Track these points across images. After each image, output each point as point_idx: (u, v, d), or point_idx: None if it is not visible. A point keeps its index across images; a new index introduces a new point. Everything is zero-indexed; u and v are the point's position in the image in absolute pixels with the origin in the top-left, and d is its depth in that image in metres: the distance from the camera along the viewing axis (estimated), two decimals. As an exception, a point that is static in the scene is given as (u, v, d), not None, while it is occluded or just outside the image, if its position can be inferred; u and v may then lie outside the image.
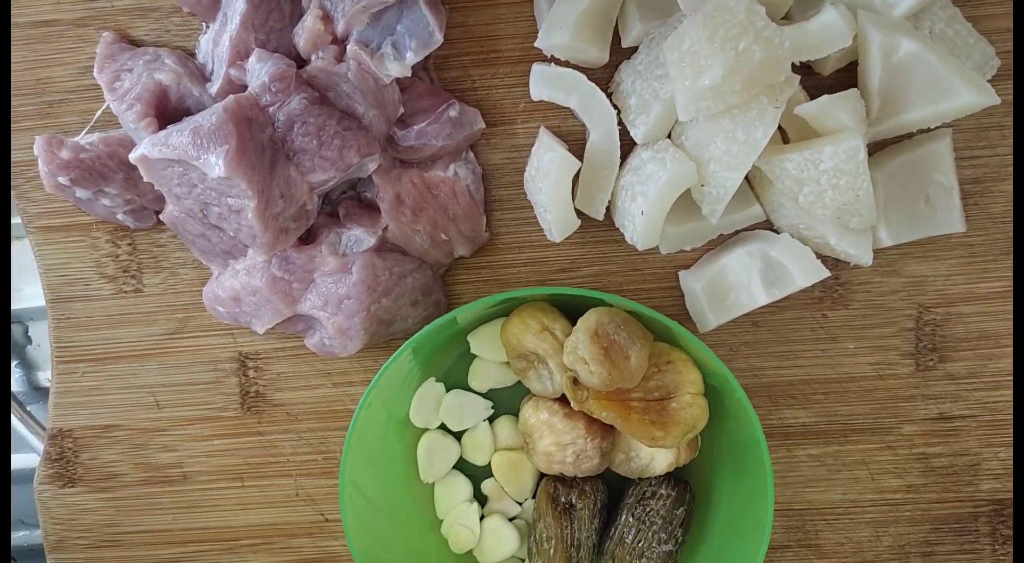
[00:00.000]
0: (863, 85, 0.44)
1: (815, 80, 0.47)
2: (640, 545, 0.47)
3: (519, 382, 0.50)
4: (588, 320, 0.44)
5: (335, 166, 0.45)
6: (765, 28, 0.40)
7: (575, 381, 0.44)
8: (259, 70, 0.44)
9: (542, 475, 0.50)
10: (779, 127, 0.46)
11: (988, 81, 0.45)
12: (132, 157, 0.43)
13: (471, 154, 0.49)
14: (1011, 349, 0.49)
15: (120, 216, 0.50)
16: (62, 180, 0.48)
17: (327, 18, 0.45)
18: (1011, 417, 0.50)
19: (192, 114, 0.48)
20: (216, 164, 0.41)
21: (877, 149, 0.47)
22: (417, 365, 0.48)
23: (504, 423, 0.50)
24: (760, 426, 0.42)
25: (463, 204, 0.48)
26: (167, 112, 0.47)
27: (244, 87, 0.45)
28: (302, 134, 0.44)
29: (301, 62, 0.46)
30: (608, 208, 0.48)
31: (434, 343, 0.48)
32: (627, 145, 0.47)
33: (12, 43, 0.50)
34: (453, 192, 0.48)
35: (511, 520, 0.51)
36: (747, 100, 0.42)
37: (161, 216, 0.49)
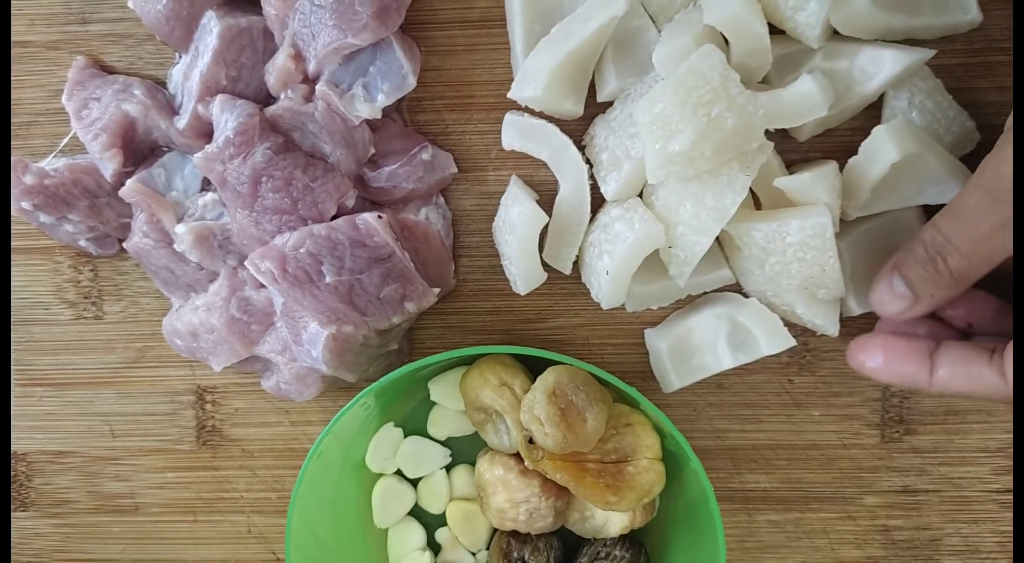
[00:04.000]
0: (855, 178, 0.43)
1: (790, 145, 0.46)
2: (591, 606, 0.46)
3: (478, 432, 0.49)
4: (547, 379, 0.43)
5: (315, 219, 0.44)
6: (739, 95, 0.39)
7: (530, 440, 0.43)
8: (223, 121, 0.44)
9: (496, 528, 0.49)
10: (753, 192, 0.45)
11: (965, 156, 0.45)
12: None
13: (442, 199, 0.48)
14: (977, 425, 0.48)
15: (83, 242, 0.49)
16: (25, 205, 0.47)
17: (299, 57, 0.44)
18: (975, 494, 0.49)
19: (159, 146, 0.47)
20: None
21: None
22: (376, 410, 0.48)
23: (461, 472, 0.50)
24: (714, 496, 0.42)
25: (434, 249, 0.47)
26: (134, 143, 0.46)
27: (210, 124, 0.44)
28: (272, 191, 0.43)
29: (271, 99, 0.45)
30: (576, 262, 0.47)
31: (395, 390, 0.47)
32: (598, 199, 0.46)
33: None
34: (426, 236, 0.47)
35: (463, 571, 0.50)
36: (718, 166, 0.41)
37: (125, 245, 0.48)
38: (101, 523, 0.53)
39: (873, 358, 0.40)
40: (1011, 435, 0.48)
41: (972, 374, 0.37)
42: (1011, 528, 0.49)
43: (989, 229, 0.36)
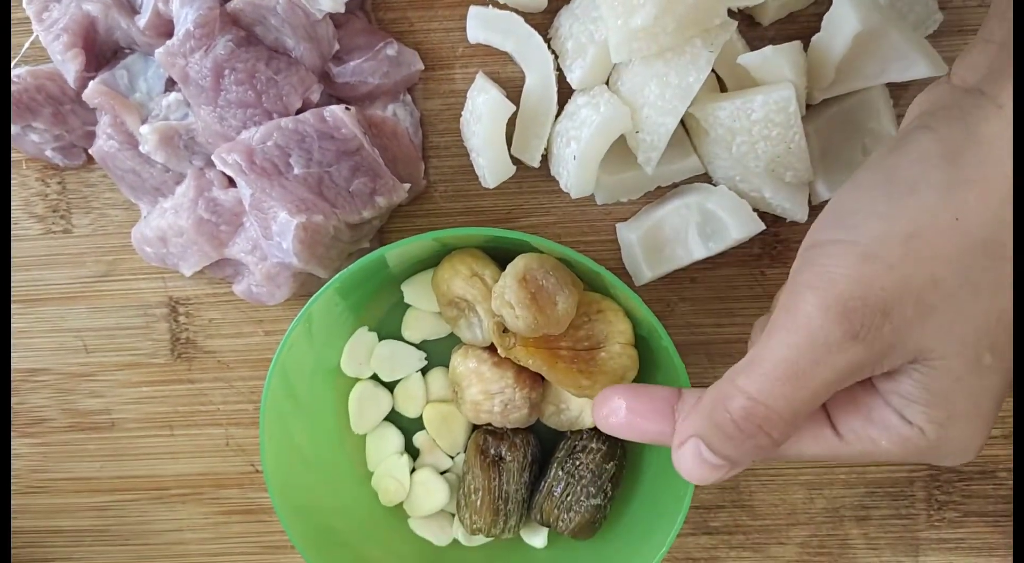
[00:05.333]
0: (819, 56, 0.43)
1: (756, 31, 0.46)
2: (568, 499, 0.46)
3: (453, 333, 0.49)
4: (516, 265, 0.43)
5: (280, 113, 0.44)
6: (700, -32, 0.39)
7: (502, 328, 0.43)
8: (183, 15, 0.43)
9: (474, 428, 0.49)
10: (719, 78, 0.45)
11: (928, 36, 0.45)
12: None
13: (409, 97, 0.48)
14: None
15: (49, 153, 0.49)
16: (-12, 113, 0.47)
17: (260, -49, 0.44)
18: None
19: (121, 49, 0.47)
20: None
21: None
22: (348, 311, 0.48)
23: (437, 375, 0.50)
24: (686, 372, 0.42)
25: (403, 146, 0.47)
26: (95, 45, 0.46)
27: (171, 22, 0.44)
28: (235, 84, 0.43)
29: (231, -5, 0.45)
30: (545, 157, 0.47)
31: (365, 288, 0.47)
32: (566, 93, 0.46)
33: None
34: (394, 133, 0.47)
35: (442, 474, 0.50)
36: (681, 43, 0.41)
37: (91, 150, 0.48)
38: (78, 441, 0.53)
39: (615, 413, 0.35)
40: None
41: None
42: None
43: (812, 392, 0.29)
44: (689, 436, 0.31)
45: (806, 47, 0.44)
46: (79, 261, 0.51)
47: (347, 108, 0.43)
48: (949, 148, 0.28)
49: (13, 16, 0.49)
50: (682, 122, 0.45)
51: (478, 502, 0.47)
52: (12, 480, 0.53)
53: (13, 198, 0.51)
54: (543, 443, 0.49)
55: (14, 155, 0.50)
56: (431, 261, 0.48)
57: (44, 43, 0.46)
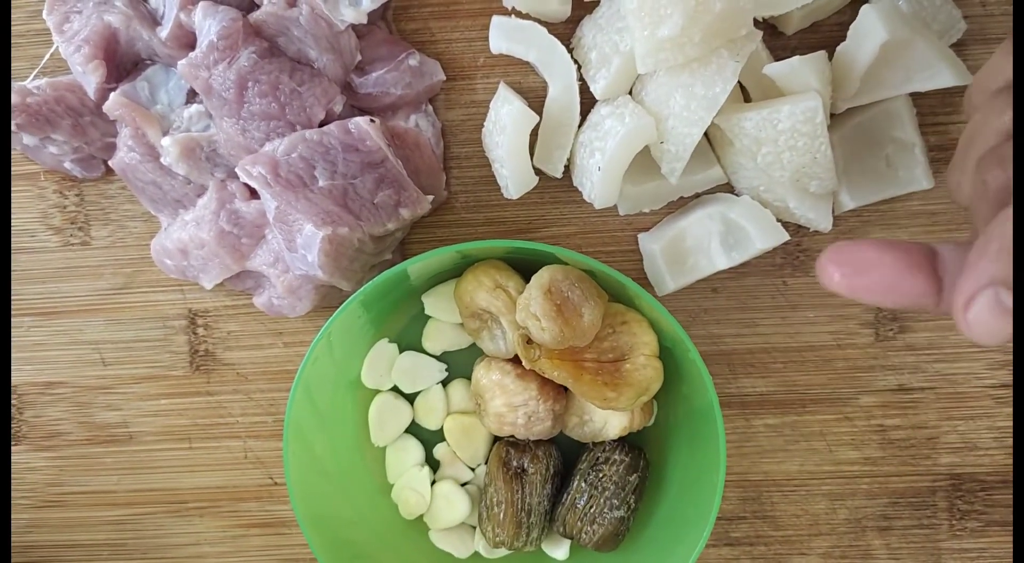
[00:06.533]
0: (844, 66, 0.43)
1: (780, 40, 0.46)
2: (592, 511, 0.46)
3: (474, 345, 0.49)
4: (541, 277, 0.43)
5: (304, 125, 0.44)
6: (726, -21, 0.39)
7: (527, 340, 0.43)
8: (206, 27, 0.43)
9: (495, 440, 0.49)
10: (743, 87, 0.45)
11: (952, 45, 0.45)
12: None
13: (431, 107, 0.48)
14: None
15: (68, 164, 0.48)
16: (7, 125, 0.47)
17: (282, -38, 0.44)
18: (971, 390, 0.49)
19: (142, 60, 0.47)
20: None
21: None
22: (369, 323, 0.47)
23: (458, 386, 0.49)
24: (712, 384, 0.41)
25: (425, 157, 0.47)
26: (116, 56, 0.46)
27: (193, 34, 0.44)
28: (259, 96, 0.43)
29: (254, 6, 0.45)
30: (567, 167, 0.47)
31: (386, 300, 0.47)
32: (588, 104, 0.46)
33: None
34: (416, 143, 0.47)
35: (463, 486, 0.50)
36: (707, 53, 0.41)
37: (111, 162, 0.47)
38: (95, 454, 0.52)
39: (868, 268, 0.28)
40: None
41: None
42: (1008, 423, 0.49)
43: None
44: (982, 287, 0.25)
45: (830, 56, 0.44)
46: (97, 273, 0.51)
47: (372, 120, 0.43)
48: None
49: (33, 27, 0.49)
50: (704, 132, 0.45)
51: (500, 515, 0.46)
52: (28, 494, 0.53)
53: (30, 211, 0.50)
54: (565, 455, 0.49)
55: (31, 166, 0.50)
56: (452, 272, 0.48)
57: (64, 54, 0.46)
